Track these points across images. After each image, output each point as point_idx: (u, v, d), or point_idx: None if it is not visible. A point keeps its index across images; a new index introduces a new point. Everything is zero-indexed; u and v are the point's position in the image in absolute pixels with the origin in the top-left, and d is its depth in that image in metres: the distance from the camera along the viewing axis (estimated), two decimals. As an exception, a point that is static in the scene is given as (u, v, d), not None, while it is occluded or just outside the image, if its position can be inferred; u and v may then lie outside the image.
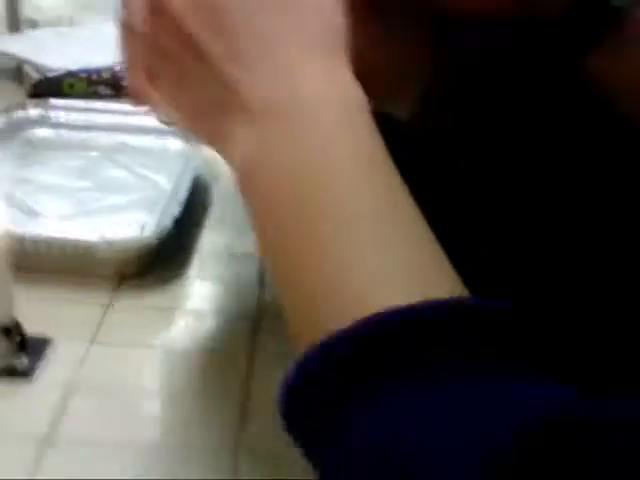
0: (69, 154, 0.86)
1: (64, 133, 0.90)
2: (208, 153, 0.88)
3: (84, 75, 0.98)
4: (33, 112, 0.90)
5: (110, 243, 0.69)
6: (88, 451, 0.52)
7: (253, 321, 0.66)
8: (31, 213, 0.73)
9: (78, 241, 0.69)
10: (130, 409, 0.56)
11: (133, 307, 0.66)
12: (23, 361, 0.58)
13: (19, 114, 0.89)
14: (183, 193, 0.75)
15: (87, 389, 0.57)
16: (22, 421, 0.54)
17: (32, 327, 0.59)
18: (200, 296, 0.70)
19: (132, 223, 0.75)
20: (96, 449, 0.52)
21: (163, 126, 0.91)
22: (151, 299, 0.68)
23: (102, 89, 0.98)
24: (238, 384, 0.58)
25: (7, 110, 0.89)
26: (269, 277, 0.72)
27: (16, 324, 0.57)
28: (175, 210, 0.72)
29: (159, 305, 0.67)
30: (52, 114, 0.91)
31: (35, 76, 0.99)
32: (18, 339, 0.58)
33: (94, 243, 0.69)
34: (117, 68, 0.95)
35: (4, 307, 0.57)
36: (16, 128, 0.88)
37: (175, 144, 0.89)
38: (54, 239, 0.68)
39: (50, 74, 0.98)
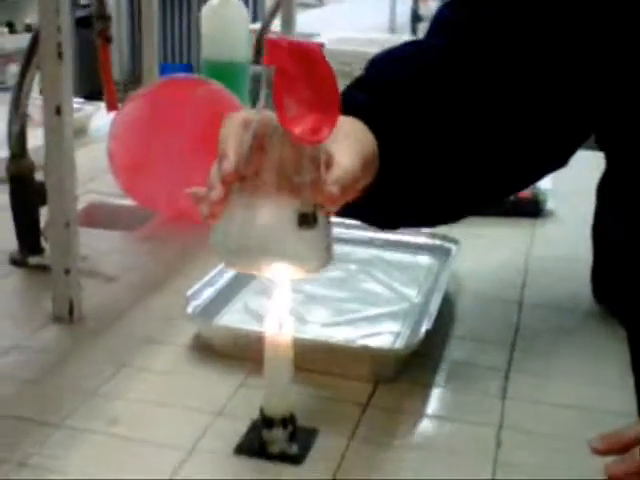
0: (332, 267, 0.96)
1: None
2: (456, 267, 0.96)
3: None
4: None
5: (367, 349, 0.78)
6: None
7: (496, 426, 0.71)
8: (301, 320, 0.83)
9: (340, 345, 0.78)
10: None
11: (387, 409, 0.74)
12: (294, 448, 0.67)
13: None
14: (434, 307, 0.82)
15: (348, 477, 0.64)
16: (292, 502, 0.62)
17: (301, 420, 0.68)
18: (444, 403, 0.76)
19: (386, 332, 0.83)
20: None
21: (414, 241, 1.00)
22: (402, 403, 0.75)
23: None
24: None
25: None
26: (510, 391, 0.77)
27: (291, 416, 0.66)
28: (427, 322, 0.79)
29: (407, 409, 0.74)
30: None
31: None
32: (291, 429, 0.67)
33: (353, 348, 0.78)
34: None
35: (284, 402, 0.66)
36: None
37: (424, 259, 0.98)
38: (320, 343, 0.78)
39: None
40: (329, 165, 0.64)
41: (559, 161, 0.86)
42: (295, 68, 0.59)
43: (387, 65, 0.83)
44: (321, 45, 0.60)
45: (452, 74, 0.80)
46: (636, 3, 0.77)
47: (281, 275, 0.64)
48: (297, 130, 0.59)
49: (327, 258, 0.65)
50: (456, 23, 0.83)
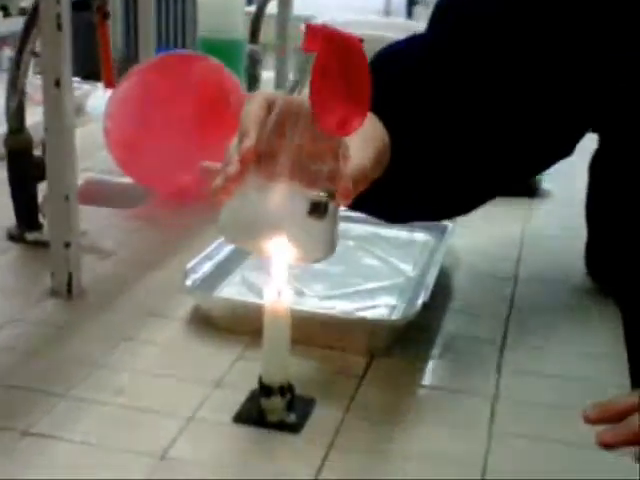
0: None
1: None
2: (452, 243, 0.97)
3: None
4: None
5: (364, 320, 0.79)
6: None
7: (491, 397, 0.72)
8: (298, 293, 0.84)
9: (337, 317, 0.79)
10: (384, 467, 0.64)
11: (383, 380, 0.75)
12: (292, 417, 0.68)
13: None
14: (430, 280, 0.83)
15: (345, 446, 0.65)
16: (290, 469, 0.63)
17: (299, 389, 0.69)
18: (439, 375, 0.77)
19: (382, 305, 0.84)
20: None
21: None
22: (398, 375, 0.76)
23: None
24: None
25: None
26: (505, 363, 0.78)
27: (289, 385, 0.67)
28: (423, 295, 0.80)
29: (403, 381, 0.75)
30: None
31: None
32: (289, 398, 0.67)
33: (350, 320, 0.79)
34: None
35: (282, 371, 0.67)
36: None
37: (421, 236, 0.98)
38: (317, 315, 0.79)
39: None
40: (346, 158, 0.64)
41: (565, 151, 0.86)
42: (332, 57, 0.59)
43: (393, 58, 0.82)
44: (361, 39, 0.60)
45: (459, 67, 0.79)
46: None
47: (283, 259, 0.65)
48: (327, 120, 0.59)
49: (330, 250, 0.66)
50: (459, 15, 0.83)
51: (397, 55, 0.82)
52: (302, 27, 0.60)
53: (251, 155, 0.62)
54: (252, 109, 0.65)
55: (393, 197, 0.76)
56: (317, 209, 0.63)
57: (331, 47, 0.59)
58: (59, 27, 0.79)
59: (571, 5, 0.78)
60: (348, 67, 0.59)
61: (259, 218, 0.63)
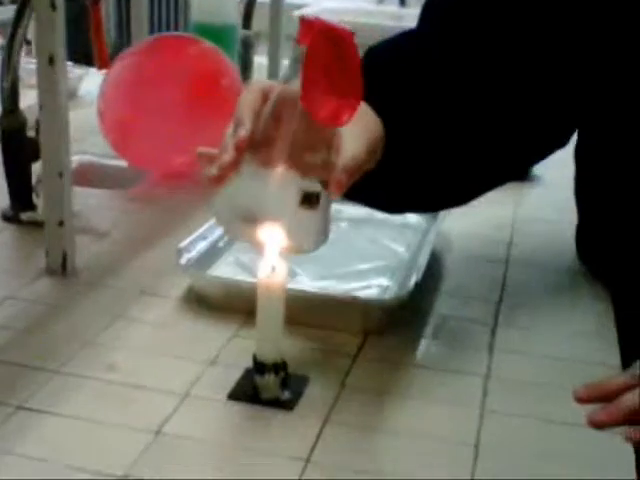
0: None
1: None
2: (444, 227, 0.97)
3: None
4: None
5: (357, 300, 0.79)
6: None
7: (483, 376, 0.73)
8: (291, 274, 0.84)
9: (330, 297, 0.80)
10: (378, 444, 0.65)
11: (376, 359, 0.75)
12: (286, 394, 0.68)
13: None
14: (422, 262, 0.84)
15: (338, 423, 0.66)
16: (284, 445, 0.63)
17: (293, 368, 0.69)
18: (432, 355, 0.77)
19: (375, 286, 0.85)
20: (347, 475, 0.61)
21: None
22: (391, 354, 0.76)
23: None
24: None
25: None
26: (497, 343, 0.79)
27: (283, 363, 0.68)
28: (416, 276, 0.80)
29: (396, 360, 0.76)
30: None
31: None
32: (283, 375, 0.68)
33: (344, 299, 0.79)
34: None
35: (276, 348, 0.67)
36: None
37: (413, 218, 0.99)
38: (310, 294, 0.79)
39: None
40: (339, 149, 0.64)
41: (559, 142, 0.86)
42: (325, 50, 0.59)
43: (386, 50, 0.81)
44: (353, 33, 0.60)
45: (453, 57, 0.79)
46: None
47: (275, 248, 0.65)
48: (318, 112, 0.60)
49: (321, 241, 0.66)
50: (450, 7, 0.83)
51: (390, 46, 0.82)
52: (296, 16, 0.61)
53: (245, 143, 0.63)
54: (248, 98, 0.65)
55: (387, 187, 0.77)
56: (309, 200, 0.63)
57: (323, 40, 0.59)
58: (53, 7, 0.79)
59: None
60: (340, 59, 0.60)
61: (252, 206, 0.64)
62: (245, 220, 0.64)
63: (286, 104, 0.63)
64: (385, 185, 0.76)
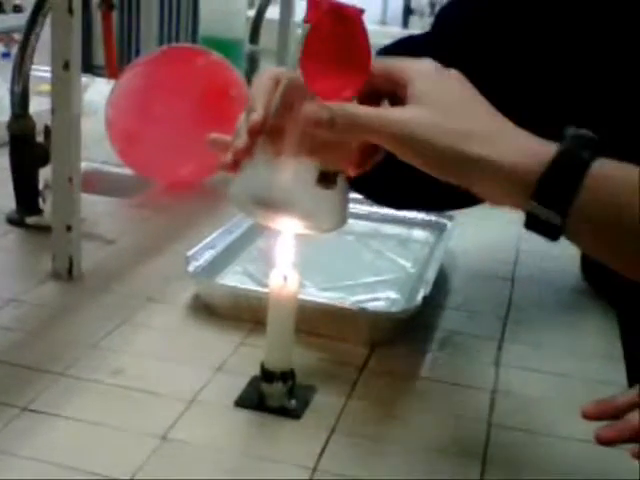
0: (330, 236, 0.97)
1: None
2: (450, 244, 0.97)
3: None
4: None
5: (365, 312, 0.79)
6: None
7: (489, 391, 0.73)
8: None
9: (339, 308, 0.79)
10: (383, 454, 0.64)
11: (383, 371, 0.75)
12: (293, 403, 0.68)
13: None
14: (431, 276, 0.84)
15: (345, 433, 0.66)
16: (290, 453, 0.63)
17: (300, 377, 0.69)
18: (438, 368, 0.77)
19: (383, 298, 0.85)
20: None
21: (410, 216, 1.02)
22: (398, 366, 0.76)
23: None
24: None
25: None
26: (504, 359, 0.78)
27: (291, 372, 0.67)
28: (424, 290, 0.80)
29: (403, 372, 0.76)
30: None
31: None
32: (291, 384, 0.68)
33: (352, 311, 0.79)
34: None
35: (285, 356, 0.67)
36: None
37: (420, 234, 0.99)
38: (319, 304, 0.79)
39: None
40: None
41: None
42: (331, 29, 0.59)
43: (397, 45, 0.83)
44: (362, 10, 0.60)
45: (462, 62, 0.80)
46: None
47: (294, 229, 0.65)
48: (317, 86, 0.60)
49: (341, 220, 0.65)
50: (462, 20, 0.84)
51: (401, 42, 0.83)
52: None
53: (258, 128, 0.63)
54: (260, 84, 0.65)
55: (395, 181, 0.77)
56: (326, 178, 0.63)
57: (330, 18, 0.59)
58: (70, 11, 0.79)
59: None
60: (347, 38, 0.60)
61: (269, 191, 0.63)
62: (262, 203, 0.64)
63: (298, 88, 0.63)
64: (393, 178, 0.75)
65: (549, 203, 0.57)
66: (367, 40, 0.60)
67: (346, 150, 0.63)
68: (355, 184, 0.67)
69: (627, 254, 0.59)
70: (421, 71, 0.61)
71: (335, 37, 0.59)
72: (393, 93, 0.61)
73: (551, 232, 0.59)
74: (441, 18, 0.86)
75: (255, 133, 0.63)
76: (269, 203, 0.63)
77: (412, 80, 0.61)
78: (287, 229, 0.65)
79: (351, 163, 0.63)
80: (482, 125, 0.60)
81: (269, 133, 0.63)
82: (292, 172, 0.62)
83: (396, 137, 0.59)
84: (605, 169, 0.57)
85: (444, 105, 0.60)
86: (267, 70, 0.67)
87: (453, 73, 0.63)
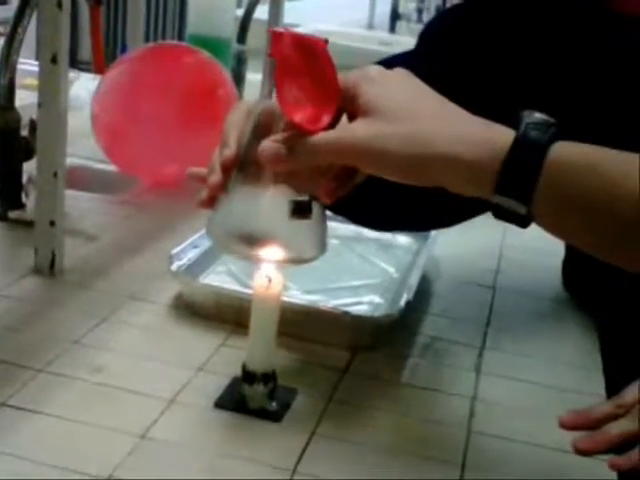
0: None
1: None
2: (433, 251, 0.97)
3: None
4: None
5: (348, 315, 0.79)
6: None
7: (469, 398, 0.73)
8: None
9: (321, 310, 0.79)
10: (363, 458, 0.64)
11: (365, 375, 0.75)
12: (273, 405, 0.68)
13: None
14: (414, 281, 0.84)
15: (325, 436, 0.66)
16: (270, 455, 0.63)
17: (281, 380, 0.69)
18: (420, 374, 0.77)
19: (366, 302, 0.85)
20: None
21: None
22: (380, 371, 0.76)
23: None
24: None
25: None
26: (484, 366, 0.79)
27: (273, 373, 0.67)
28: (407, 295, 0.81)
29: (385, 377, 0.76)
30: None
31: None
32: (272, 386, 0.67)
33: (334, 314, 0.79)
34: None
35: (267, 358, 0.67)
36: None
37: (404, 239, 0.99)
38: (301, 307, 0.79)
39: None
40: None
41: None
42: (298, 60, 0.60)
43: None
44: (326, 41, 0.61)
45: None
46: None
47: (275, 263, 0.65)
48: (297, 117, 0.60)
49: (320, 249, 0.66)
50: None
51: (384, 63, 0.83)
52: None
53: (230, 163, 0.64)
54: (233, 118, 0.66)
55: (374, 203, 0.77)
56: (300, 208, 0.63)
57: (293, 51, 0.60)
58: (59, 6, 0.79)
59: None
60: (313, 68, 0.60)
61: (247, 226, 0.64)
62: (241, 239, 0.64)
63: (270, 119, 0.63)
64: (372, 200, 0.75)
65: (511, 194, 0.57)
66: (333, 68, 0.60)
67: (319, 175, 0.63)
68: (336, 208, 0.67)
69: (594, 234, 0.59)
70: (367, 79, 0.61)
71: (303, 68, 0.60)
72: (352, 107, 0.61)
73: (519, 220, 0.59)
74: (424, 35, 0.87)
75: (228, 168, 0.64)
76: (247, 238, 0.63)
77: (360, 91, 0.61)
78: (268, 262, 0.65)
79: (326, 189, 0.63)
80: (434, 122, 0.59)
81: (243, 167, 0.64)
82: (268, 205, 0.63)
83: (356, 155, 0.59)
84: (563, 151, 0.57)
85: (393, 111, 0.59)
86: (240, 103, 0.68)
87: (397, 72, 0.63)
